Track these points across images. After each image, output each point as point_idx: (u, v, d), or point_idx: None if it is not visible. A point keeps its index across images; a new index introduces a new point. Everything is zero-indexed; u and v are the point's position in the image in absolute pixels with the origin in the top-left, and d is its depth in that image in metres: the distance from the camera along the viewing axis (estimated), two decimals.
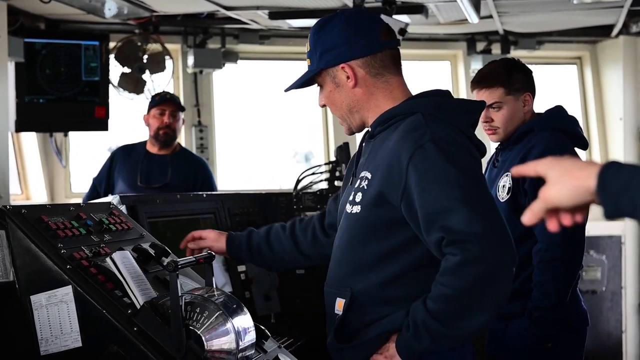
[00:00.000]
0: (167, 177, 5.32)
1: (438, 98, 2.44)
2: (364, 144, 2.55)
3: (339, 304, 2.45)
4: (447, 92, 2.51)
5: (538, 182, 3.41)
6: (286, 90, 2.60)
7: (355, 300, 2.41)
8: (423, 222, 2.27)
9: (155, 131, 5.34)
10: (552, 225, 1.55)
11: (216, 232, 2.89)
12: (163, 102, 5.35)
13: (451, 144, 2.31)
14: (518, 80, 3.46)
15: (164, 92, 5.55)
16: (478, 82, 3.49)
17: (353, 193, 2.44)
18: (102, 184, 5.43)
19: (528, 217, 1.53)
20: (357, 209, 2.41)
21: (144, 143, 5.49)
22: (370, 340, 2.40)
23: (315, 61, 2.50)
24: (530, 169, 1.55)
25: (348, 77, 2.46)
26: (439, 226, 2.23)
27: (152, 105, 5.40)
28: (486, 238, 2.20)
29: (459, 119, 2.40)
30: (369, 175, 2.39)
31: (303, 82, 2.55)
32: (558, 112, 3.51)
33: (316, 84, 2.56)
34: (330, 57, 2.46)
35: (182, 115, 5.43)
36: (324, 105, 2.57)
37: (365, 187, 2.39)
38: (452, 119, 2.38)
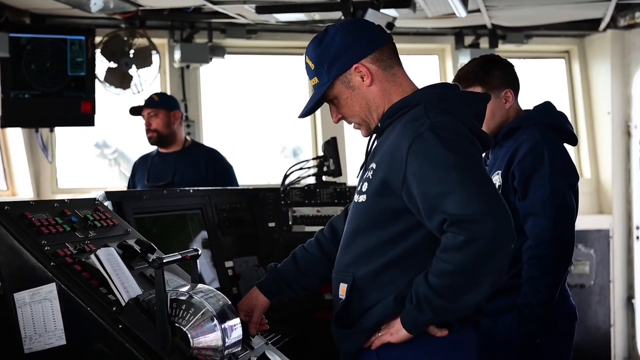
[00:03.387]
0: (171, 175, 5.38)
1: (441, 90, 2.49)
2: (373, 138, 2.58)
3: (342, 289, 2.49)
4: (454, 85, 2.56)
5: (528, 180, 3.41)
6: (300, 117, 2.59)
7: (356, 285, 2.46)
8: (424, 209, 2.32)
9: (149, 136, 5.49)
10: None
11: (253, 295, 2.71)
12: (141, 109, 5.48)
13: (449, 131, 2.35)
14: (496, 77, 3.43)
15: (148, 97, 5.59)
16: (456, 82, 3.48)
17: (361, 183, 2.50)
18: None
19: None
20: (363, 198, 2.47)
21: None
22: (369, 329, 2.44)
23: (325, 74, 2.50)
24: None
25: (363, 77, 2.49)
26: (440, 211, 2.28)
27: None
28: (484, 217, 2.24)
29: (461, 110, 2.44)
30: (374, 166, 2.45)
31: (317, 102, 2.54)
32: (546, 108, 3.49)
33: (327, 102, 2.56)
34: (341, 63, 2.49)
35: (165, 112, 5.44)
36: (339, 120, 2.58)
37: (371, 177, 2.45)
38: (454, 110, 2.43)
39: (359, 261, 2.46)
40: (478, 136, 2.46)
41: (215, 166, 5.45)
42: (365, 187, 2.46)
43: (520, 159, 3.30)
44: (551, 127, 3.41)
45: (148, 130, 5.44)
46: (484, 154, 3.50)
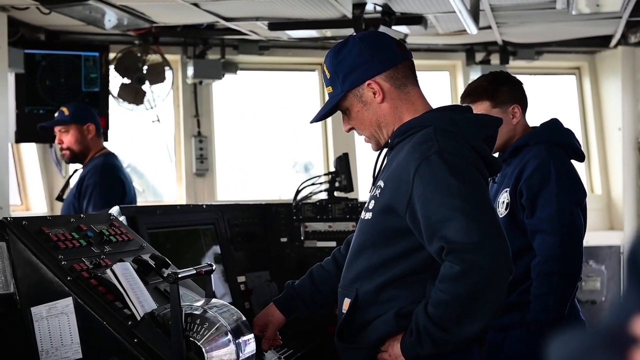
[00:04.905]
0: (63, 192, 5.21)
1: (452, 113, 2.51)
2: (382, 155, 2.62)
3: (346, 304, 2.52)
4: (466, 107, 2.59)
5: (535, 198, 3.41)
6: (312, 122, 2.63)
7: (358, 300, 2.49)
8: (425, 232, 2.34)
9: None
10: None
11: (269, 311, 2.74)
12: (53, 126, 5.13)
13: (457, 157, 2.38)
14: (504, 93, 3.46)
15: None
16: (465, 97, 3.52)
17: (368, 200, 2.54)
18: None
19: None
20: (369, 215, 2.50)
21: None
22: (370, 345, 2.46)
23: (339, 85, 2.54)
24: None
25: (375, 93, 2.51)
26: (439, 236, 2.30)
27: None
28: (483, 248, 2.27)
29: (471, 134, 2.46)
30: (382, 184, 2.47)
31: (329, 110, 2.58)
32: (553, 125, 3.51)
33: (340, 110, 2.59)
34: (355, 77, 2.52)
35: (77, 126, 5.06)
36: (350, 130, 2.62)
37: (378, 196, 2.47)
38: (464, 134, 2.44)
39: (362, 277, 2.49)
40: (487, 161, 2.48)
41: (83, 183, 4.94)
42: (372, 204, 2.49)
43: (528, 176, 3.32)
44: (558, 144, 3.42)
45: (61, 148, 5.12)
46: (494, 177, 3.53)
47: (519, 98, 3.50)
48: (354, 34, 2.59)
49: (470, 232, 2.27)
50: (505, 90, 3.46)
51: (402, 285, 2.43)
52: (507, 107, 3.46)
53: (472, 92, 3.49)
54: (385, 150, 2.60)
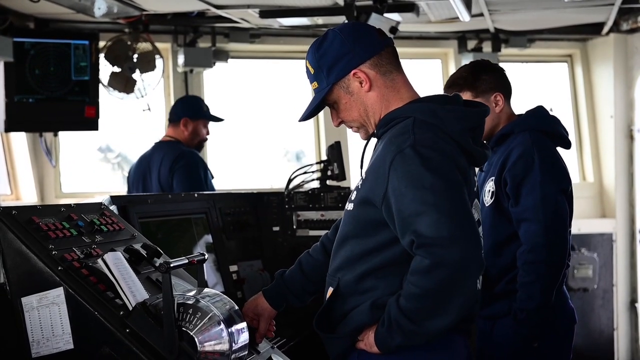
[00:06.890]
0: None
1: (434, 104, 2.47)
2: (368, 145, 2.61)
3: (329, 292, 2.53)
4: (453, 97, 2.54)
5: (519, 186, 3.42)
6: (300, 121, 2.60)
7: (339, 289, 2.50)
8: (398, 225, 2.35)
9: (201, 141, 5.55)
10: None
11: (256, 301, 2.74)
12: (215, 119, 5.62)
13: (432, 149, 2.36)
14: (485, 82, 3.45)
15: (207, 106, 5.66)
16: (447, 88, 3.52)
17: (352, 191, 2.54)
18: None
19: None
20: (351, 206, 2.50)
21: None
22: (347, 335, 2.48)
23: (324, 79, 2.52)
24: None
25: (362, 82, 2.50)
26: (411, 230, 2.31)
27: (205, 116, 5.54)
28: (452, 242, 2.27)
29: (452, 126, 2.43)
30: (364, 176, 2.48)
31: (316, 106, 2.56)
32: (538, 113, 3.50)
33: (327, 106, 2.57)
34: (340, 69, 2.49)
35: None
36: (339, 124, 2.60)
37: (359, 187, 2.48)
38: (445, 126, 2.42)
39: (345, 267, 2.50)
40: (469, 152, 2.46)
41: None
42: (354, 195, 2.50)
43: (512, 164, 3.32)
44: (543, 131, 3.41)
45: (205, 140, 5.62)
46: (481, 167, 3.51)
47: (501, 85, 3.49)
48: (332, 27, 2.56)
49: (441, 226, 2.27)
50: (485, 79, 3.46)
51: (381, 275, 2.43)
52: (488, 95, 3.45)
53: (453, 83, 3.49)
54: (371, 140, 2.59)
